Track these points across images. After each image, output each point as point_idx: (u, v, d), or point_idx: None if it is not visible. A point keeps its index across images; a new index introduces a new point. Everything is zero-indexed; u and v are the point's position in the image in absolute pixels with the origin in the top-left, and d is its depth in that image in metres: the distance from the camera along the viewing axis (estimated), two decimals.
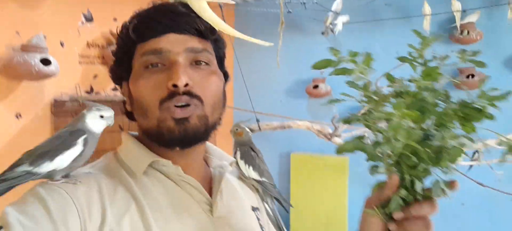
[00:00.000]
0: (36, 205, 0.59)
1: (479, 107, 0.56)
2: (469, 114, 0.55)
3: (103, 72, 2.73)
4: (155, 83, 0.67)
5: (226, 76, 0.78)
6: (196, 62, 0.69)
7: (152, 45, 0.68)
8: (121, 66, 0.73)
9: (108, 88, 2.77)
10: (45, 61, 2.13)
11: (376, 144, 0.55)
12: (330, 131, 2.88)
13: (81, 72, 2.58)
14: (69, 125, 0.68)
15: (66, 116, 2.36)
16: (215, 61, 0.74)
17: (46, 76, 2.16)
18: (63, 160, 0.64)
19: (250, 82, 3.25)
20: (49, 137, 0.67)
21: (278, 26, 1.89)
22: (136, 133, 0.77)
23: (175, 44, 0.67)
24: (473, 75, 3.03)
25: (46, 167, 0.63)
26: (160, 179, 0.70)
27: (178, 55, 0.67)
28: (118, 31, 0.75)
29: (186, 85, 0.66)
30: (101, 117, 0.68)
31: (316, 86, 3.61)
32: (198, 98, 0.67)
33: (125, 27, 0.73)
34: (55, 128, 2.38)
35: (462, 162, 2.62)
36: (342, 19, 3.23)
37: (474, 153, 2.68)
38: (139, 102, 0.69)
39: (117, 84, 0.78)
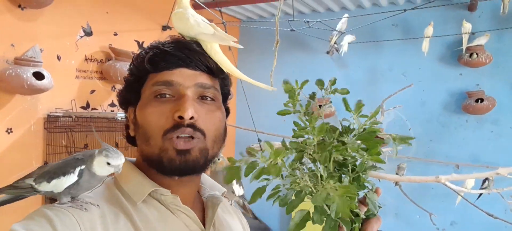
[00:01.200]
0: (43, 224, 0.60)
1: (378, 138, 0.60)
2: (369, 144, 0.60)
3: (101, 87, 2.67)
4: (162, 113, 0.69)
5: (227, 112, 0.82)
6: (202, 97, 0.73)
7: (164, 76, 0.71)
8: (131, 92, 0.76)
9: (105, 104, 2.70)
10: (38, 75, 2.07)
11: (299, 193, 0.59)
12: None
13: (77, 87, 2.51)
14: (83, 153, 0.70)
15: (60, 131, 2.29)
16: (220, 98, 0.77)
17: (38, 90, 2.09)
18: (57, 185, 0.65)
19: (253, 101, 3.17)
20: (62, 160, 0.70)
21: (283, 44, 1.81)
22: (133, 159, 0.80)
23: (186, 79, 0.71)
24: (482, 100, 2.93)
25: (44, 186, 0.65)
26: (157, 207, 0.71)
27: (187, 89, 0.70)
28: (136, 59, 0.77)
29: (192, 118, 0.68)
30: (108, 164, 0.68)
31: (320, 106, 3.52)
32: (202, 132, 0.70)
33: (140, 56, 0.76)
34: (47, 144, 2.31)
35: (471, 191, 2.50)
36: (347, 39, 3.15)
37: (484, 181, 2.56)
38: (144, 129, 0.71)
39: (123, 109, 0.80)
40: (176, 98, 0.70)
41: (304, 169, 0.58)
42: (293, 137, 0.61)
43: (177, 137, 0.68)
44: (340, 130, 0.62)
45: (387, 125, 3.27)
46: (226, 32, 0.83)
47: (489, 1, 2.86)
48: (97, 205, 0.68)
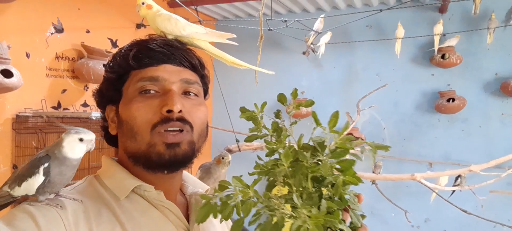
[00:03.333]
0: (25, 220, 0.60)
1: (350, 159, 0.57)
2: (342, 164, 0.57)
3: (73, 86, 2.56)
4: (149, 107, 0.70)
5: None
6: (186, 93, 0.74)
7: (149, 73, 0.72)
8: (111, 90, 0.75)
9: (77, 103, 2.60)
10: (6, 73, 1.96)
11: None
12: None
13: (48, 86, 2.40)
14: (46, 148, 0.68)
15: (29, 132, 2.18)
16: (202, 93, 0.79)
17: (7, 89, 1.98)
18: (28, 188, 0.65)
19: (230, 101, 3.14)
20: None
21: (257, 43, 1.80)
22: (115, 158, 0.79)
23: (171, 74, 0.72)
24: (454, 99, 3.03)
25: (18, 191, 0.65)
26: (141, 203, 0.71)
27: (173, 84, 0.72)
28: (114, 56, 0.78)
29: (180, 111, 0.69)
30: (81, 140, 0.68)
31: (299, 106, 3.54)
32: (190, 124, 0.71)
33: (122, 53, 0.76)
34: (16, 146, 2.19)
35: (445, 188, 2.57)
36: (324, 39, 3.17)
37: (456, 178, 2.64)
38: (129, 125, 0.70)
39: (100, 108, 0.79)
40: (161, 94, 0.71)
41: (279, 196, 0.56)
42: (266, 155, 0.59)
43: (166, 131, 0.69)
44: (312, 144, 0.59)
45: (362, 124, 3.32)
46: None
47: (459, 4, 2.96)
48: (81, 200, 0.67)
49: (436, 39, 2.99)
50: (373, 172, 2.86)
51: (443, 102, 3.06)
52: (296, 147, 0.59)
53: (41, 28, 2.35)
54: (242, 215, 0.53)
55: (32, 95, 2.29)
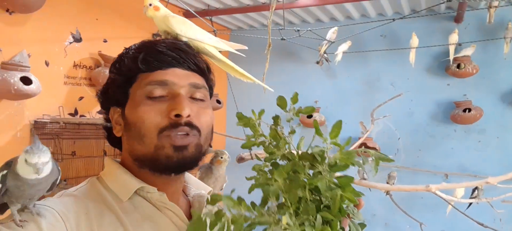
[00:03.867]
0: (27, 224, 0.60)
1: (348, 176, 0.56)
2: (341, 181, 0.55)
3: (90, 94, 2.62)
4: (158, 111, 0.70)
5: None
6: (193, 97, 0.74)
7: (158, 76, 0.72)
8: (118, 92, 0.75)
9: (93, 111, 2.66)
10: (26, 80, 2.03)
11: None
12: None
13: (65, 93, 2.47)
14: (15, 157, 0.62)
15: (47, 138, 2.23)
16: (209, 97, 0.79)
17: (26, 96, 2.04)
18: None
19: (243, 110, 3.16)
20: None
21: (273, 53, 1.82)
22: (118, 160, 0.79)
23: (180, 78, 0.72)
24: (470, 110, 2.98)
25: None
26: (144, 205, 0.71)
27: (181, 89, 0.72)
28: (121, 58, 0.77)
29: (188, 116, 0.70)
30: (26, 161, 0.58)
31: (310, 116, 3.54)
32: (197, 129, 0.72)
33: (130, 55, 0.75)
34: None
35: (461, 200, 2.51)
36: (342, 48, 3.17)
37: (473, 190, 2.58)
38: (137, 127, 0.70)
39: (104, 109, 0.79)
40: (169, 98, 0.71)
41: (272, 212, 0.54)
42: (265, 160, 0.59)
43: (175, 135, 0.69)
44: (312, 155, 0.58)
45: (377, 134, 3.29)
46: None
47: (475, 13, 2.92)
48: (81, 202, 0.67)
49: (452, 48, 2.96)
50: (387, 183, 2.82)
51: (459, 113, 3.01)
52: (295, 153, 0.57)
53: (60, 38, 2.43)
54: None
55: (50, 102, 2.35)
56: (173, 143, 0.69)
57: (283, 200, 0.54)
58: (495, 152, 3.01)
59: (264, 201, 0.55)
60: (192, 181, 0.87)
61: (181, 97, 0.70)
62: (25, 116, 2.23)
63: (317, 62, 3.52)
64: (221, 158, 1.27)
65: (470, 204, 2.61)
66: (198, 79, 0.75)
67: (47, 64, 2.36)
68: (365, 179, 2.77)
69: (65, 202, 0.66)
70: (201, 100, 0.75)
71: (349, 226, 0.58)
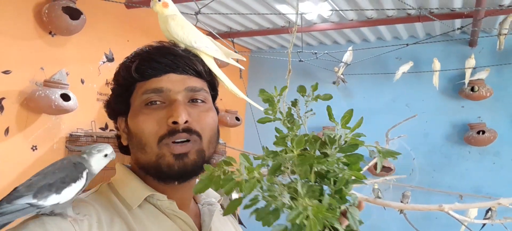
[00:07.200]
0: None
1: (357, 154, 0.56)
2: (350, 158, 0.56)
3: None
4: (155, 120, 0.69)
5: (217, 111, 0.82)
6: (193, 100, 0.73)
7: (153, 84, 0.71)
8: (119, 103, 0.75)
9: None
10: (65, 97, 2.22)
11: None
12: None
13: (98, 109, 2.66)
14: (72, 157, 0.67)
15: (79, 150, 2.40)
16: (210, 99, 0.78)
17: (64, 111, 2.23)
18: (68, 193, 0.62)
19: (261, 127, 3.29)
20: (46, 169, 0.64)
21: (292, 74, 1.95)
22: (129, 165, 0.79)
23: (176, 84, 0.71)
24: (484, 132, 3.03)
25: (53, 199, 0.60)
26: (154, 213, 0.71)
27: (178, 94, 0.70)
28: (119, 68, 0.77)
29: (186, 122, 0.68)
30: (105, 155, 0.68)
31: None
32: (197, 134, 0.70)
33: (125, 65, 0.75)
34: None
35: (474, 220, 2.56)
36: (403, 68, 3.21)
37: (487, 211, 2.63)
38: (138, 137, 0.70)
39: (112, 119, 0.80)
40: (167, 104, 0.70)
41: (282, 183, 0.54)
42: (274, 144, 0.57)
43: (173, 142, 0.68)
44: (323, 140, 0.59)
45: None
46: (237, 61, 0.88)
47: (489, 38, 3.01)
48: (93, 209, 0.67)
49: (468, 72, 3.03)
50: (401, 201, 2.89)
51: (473, 135, 3.07)
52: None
53: (95, 58, 2.63)
54: (242, 194, 0.51)
55: (84, 117, 2.54)
56: (173, 152, 0.68)
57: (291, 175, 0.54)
58: (509, 174, 3.04)
59: (274, 169, 0.54)
60: None
61: (177, 104, 0.69)
62: (61, 129, 2.42)
63: (334, 83, 3.64)
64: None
65: (484, 225, 2.65)
66: (196, 83, 0.74)
67: (82, 82, 2.56)
68: (379, 197, 2.84)
69: (80, 208, 0.66)
70: (203, 102, 0.74)
71: (348, 219, 0.58)
